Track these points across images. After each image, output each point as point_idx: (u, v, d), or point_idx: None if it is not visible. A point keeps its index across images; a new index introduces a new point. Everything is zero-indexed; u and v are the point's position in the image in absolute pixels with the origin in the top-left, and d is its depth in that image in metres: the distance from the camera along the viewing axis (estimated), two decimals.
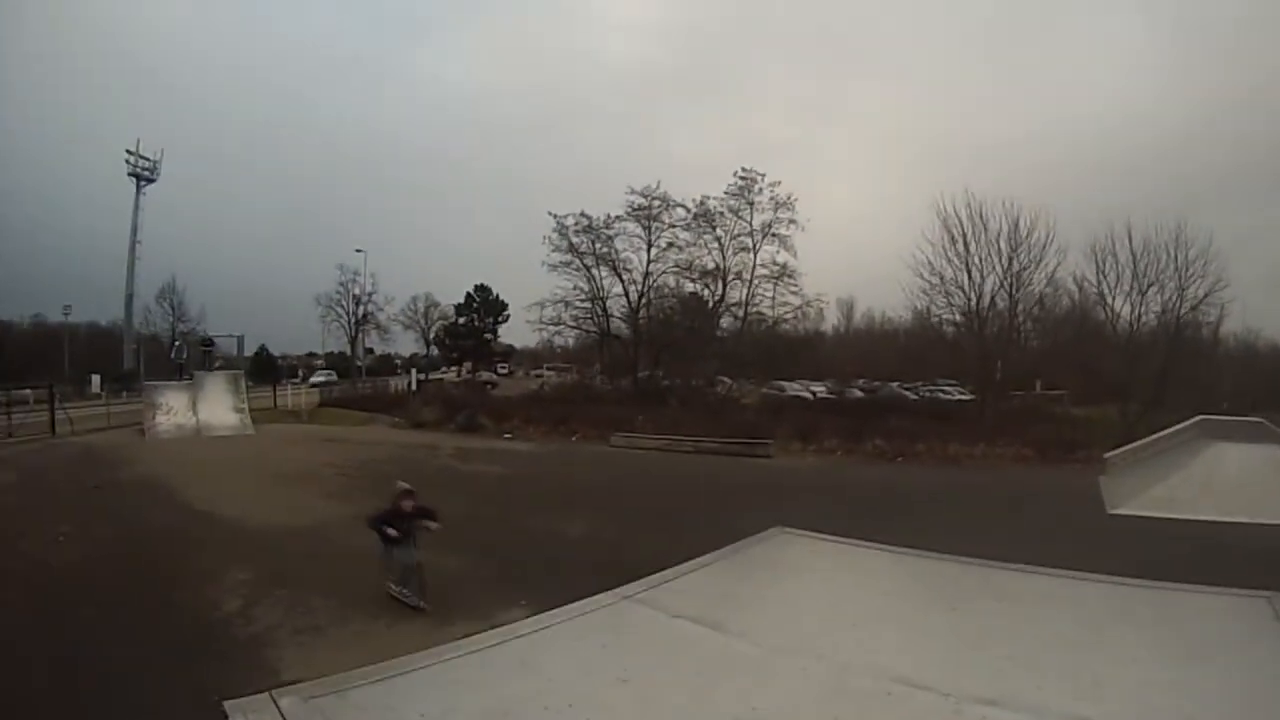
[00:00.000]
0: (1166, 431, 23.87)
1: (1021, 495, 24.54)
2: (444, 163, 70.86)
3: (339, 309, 58.75)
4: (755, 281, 50.81)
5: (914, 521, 16.43)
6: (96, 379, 51.62)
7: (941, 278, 47.12)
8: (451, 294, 62.11)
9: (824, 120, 73.09)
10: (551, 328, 52.05)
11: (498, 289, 61.38)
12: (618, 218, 50.41)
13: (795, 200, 49.31)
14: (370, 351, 61.53)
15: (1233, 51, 58.43)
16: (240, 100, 65.33)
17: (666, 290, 52.22)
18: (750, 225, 50.29)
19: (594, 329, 52.33)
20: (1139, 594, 5.99)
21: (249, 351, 55.00)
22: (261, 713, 3.75)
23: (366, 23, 75.55)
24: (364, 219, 71.83)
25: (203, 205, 62.09)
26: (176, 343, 50.41)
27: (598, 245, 50.96)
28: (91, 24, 61.23)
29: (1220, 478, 20.72)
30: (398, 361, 63.40)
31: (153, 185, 54.08)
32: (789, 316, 51.07)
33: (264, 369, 56.17)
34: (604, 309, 51.62)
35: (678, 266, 51.43)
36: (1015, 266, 46.37)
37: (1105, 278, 46.15)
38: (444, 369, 62.55)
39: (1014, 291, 46.75)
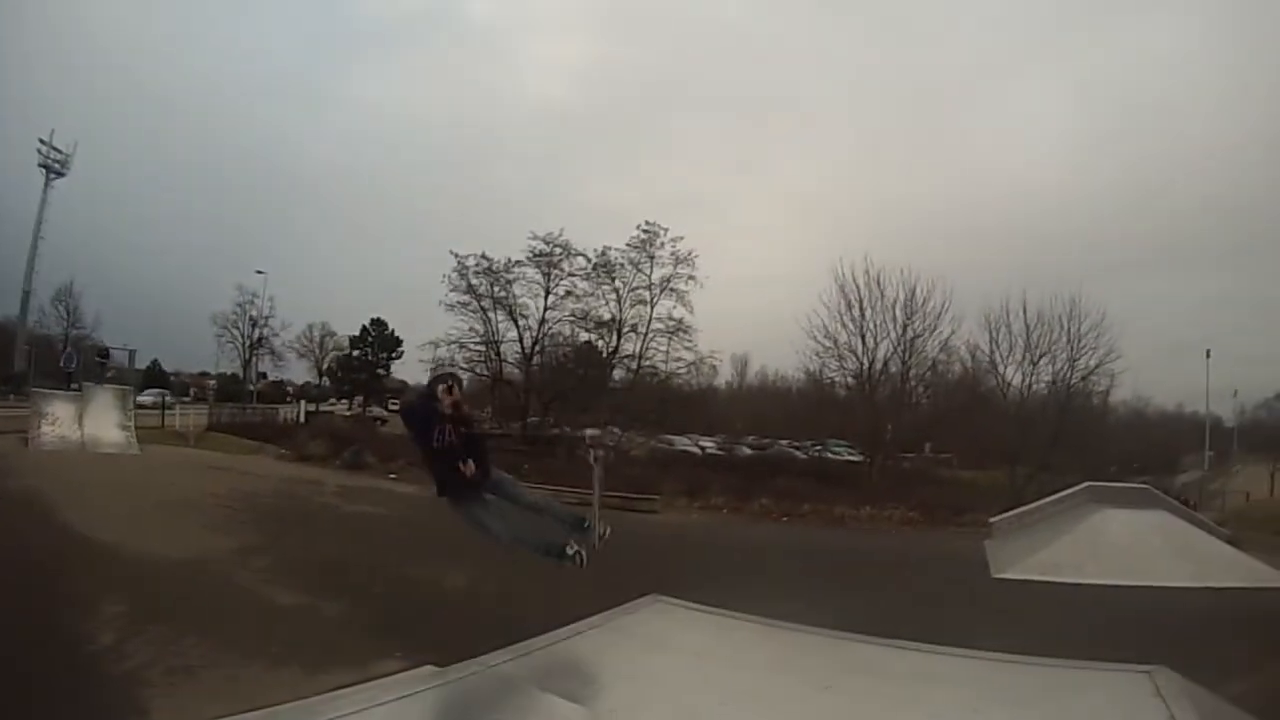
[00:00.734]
0: (1053, 497, 24.43)
1: (907, 559, 24.85)
2: (351, 188, 70.16)
3: (234, 330, 57.44)
4: (650, 335, 50.88)
5: (794, 586, 16.56)
6: None
7: (835, 341, 47.83)
8: (349, 325, 61.25)
9: (734, 178, 73.74)
10: (445, 369, 51.09)
11: (394, 324, 60.10)
12: (518, 262, 50.26)
13: (696, 257, 49.33)
14: (263, 377, 60.67)
15: (1140, 128, 60.02)
16: (157, 105, 63.98)
17: (561, 339, 52.12)
18: (649, 279, 50.37)
19: (486, 373, 52.13)
20: (1020, 671, 6.10)
21: (142, 365, 54.17)
22: None
23: (295, 39, 74.64)
24: (267, 238, 70.62)
25: (105, 207, 60.59)
26: (67, 350, 49.57)
27: (496, 288, 50.77)
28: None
29: (1107, 542, 21.27)
30: (289, 389, 62.54)
31: (63, 180, 52.28)
32: (682, 371, 51.19)
33: (156, 386, 55.09)
34: (498, 353, 51.49)
35: (574, 315, 51.35)
36: (909, 334, 47.32)
37: (998, 347, 47.37)
38: (334, 401, 61.89)
39: (907, 357, 47.73)
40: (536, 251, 49.84)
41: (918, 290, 46.80)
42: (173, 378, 58.99)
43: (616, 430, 48.14)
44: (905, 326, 47.20)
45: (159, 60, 66.69)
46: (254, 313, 56.67)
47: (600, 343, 51.96)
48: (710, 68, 74.54)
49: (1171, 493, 31.16)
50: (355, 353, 60.84)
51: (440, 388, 9.38)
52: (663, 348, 50.52)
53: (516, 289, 50.54)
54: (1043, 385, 47.46)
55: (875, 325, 47.36)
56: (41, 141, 51.11)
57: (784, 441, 49.81)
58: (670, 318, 50.36)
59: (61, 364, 46.41)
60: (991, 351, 47.60)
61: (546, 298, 50.72)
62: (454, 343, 50.33)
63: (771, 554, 24.63)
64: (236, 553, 17.33)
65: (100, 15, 61.83)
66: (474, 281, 50.21)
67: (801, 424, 49.86)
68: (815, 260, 64.79)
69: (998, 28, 67.30)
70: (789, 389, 54.32)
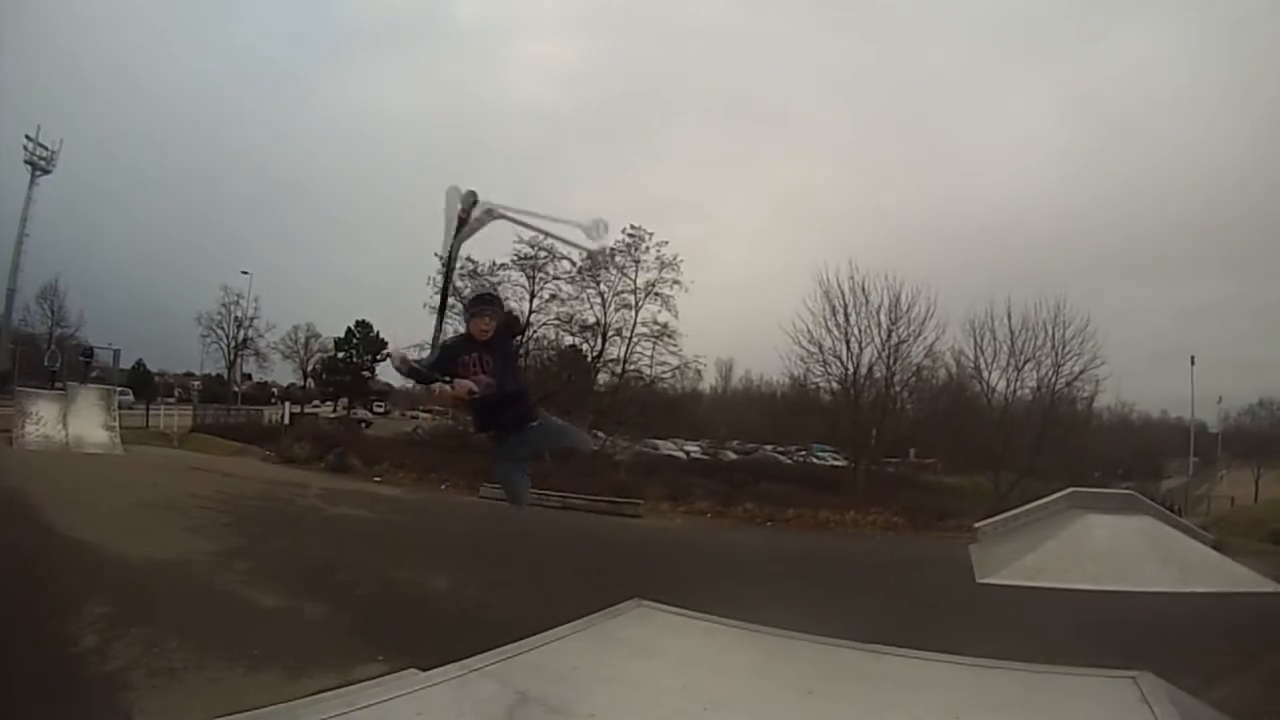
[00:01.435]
0: (1037, 502, 24.43)
1: (891, 564, 24.82)
2: (337, 189, 70.14)
3: (219, 331, 57.11)
4: (635, 339, 50.62)
5: (778, 591, 16.55)
6: None
7: (820, 347, 47.82)
8: (334, 326, 60.99)
9: (722, 182, 73.97)
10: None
11: (379, 326, 59.96)
12: (502, 265, 49.75)
13: (681, 261, 49.19)
14: (248, 378, 60.45)
15: (1126, 140, 60.34)
16: (145, 103, 63.90)
17: (546, 342, 51.79)
18: (634, 283, 50.22)
19: None
20: (1003, 677, 6.09)
21: (126, 365, 53.89)
22: None
23: (284, 40, 74.62)
24: (253, 239, 70.47)
25: (93, 205, 60.43)
26: (51, 348, 49.32)
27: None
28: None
29: (1091, 548, 21.29)
30: (274, 391, 62.29)
31: (48, 177, 52.03)
32: (666, 376, 51.13)
33: (140, 386, 54.85)
34: None
35: (559, 319, 51.02)
36: (894, 339, 47.28)
37: (983, 353, 47.57)
38: (318, 403, 61.63)
39: (891, 363, 47.66)
40: (521, 255, 49.63)
41: (902, 296, 46.88)
42: (157, 378, 58.75)
43: (600, 434, 48.07)
44: (890, 332, 47.20)
45: (148, 59, 66.96)
46: (239, 313, 56.52)
47: (585, 346, 51.84)
48: (699, 72, 74.88)
49: (1156, 498, 31.24)
50: (340, 354, 60.58)
51: (471, 315, 8.13)
52: (647, 352, 50.42)
53: (502, 292, 49.97)
54: (1027, 391, 47.61)
55: (860, 330, 47.44)
56: (28, 138, 50.89)
57: (769, 446, 49.86)
58: (655, 322, 50.27)
59: (46, 363, 46.15)
60: (976, 357, 47.84)
61: (531, 301, 50.46)
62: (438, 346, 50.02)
63: (755, 559, 24.57)
64: (219, 555, 17.29)
65: (90, 14, 61.86)
66: (459, 284, 49.83)
67: (786, 429, 50.06)
68: (800, 265, 65.21)
69: (987, 38, 67.77)
70: (773, 394, 54.35)
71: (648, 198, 79.38)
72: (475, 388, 7.65)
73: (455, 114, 74.46)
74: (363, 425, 54.82)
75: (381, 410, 62.74)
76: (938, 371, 49.36)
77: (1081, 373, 46.35)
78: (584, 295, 50.41)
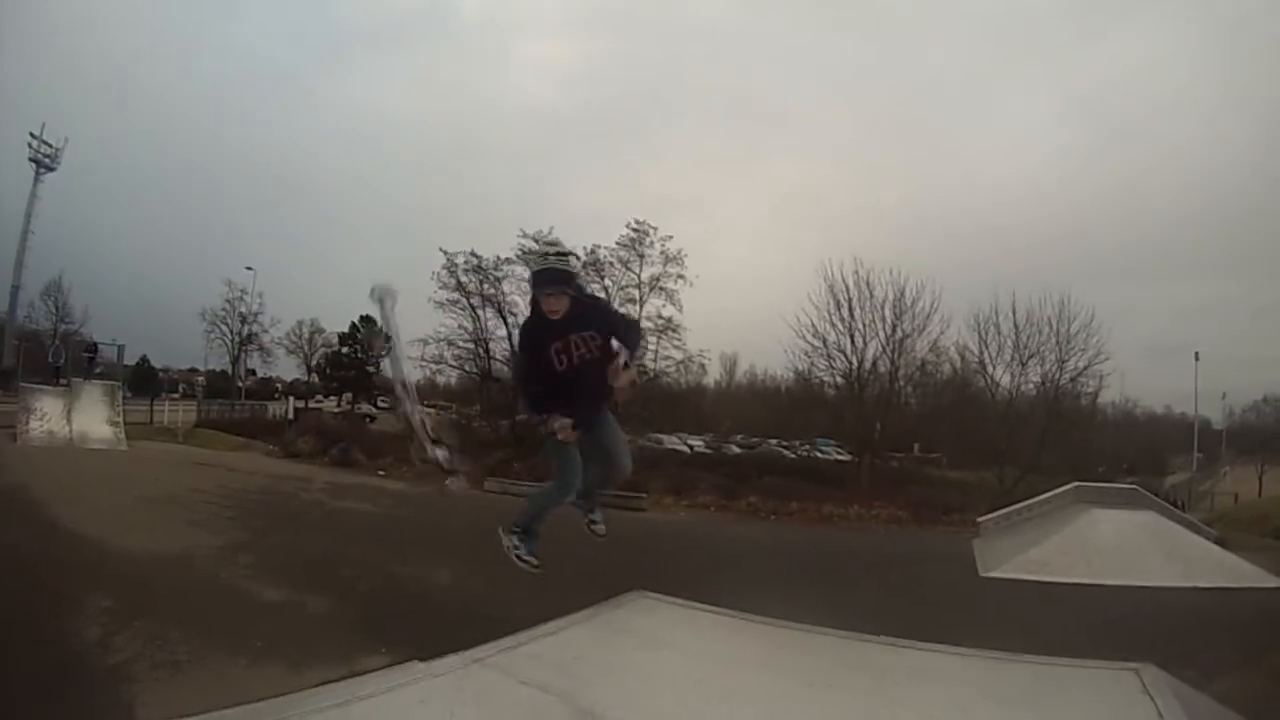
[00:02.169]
0: (1041, 497, 24.49)
1: (895, 557, 24.76)
2: (342, 185, 69.97)
3: (223, 326, 57.00)
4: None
5: (781, 584, 16.53)
6: None
7: (824, 341, 47.55)
8: (338, 322, 60.81)
9: (725, 178, 73.76)
10: (433, 366, 51.05)
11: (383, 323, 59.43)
12: (507, 260, 49.24)
13: (685, 256, 49.14)
14: (252, 373, 60.37)
15: (1130, 137, 60.32)
16: (148, 101, 63.79)
17: None
18: (639, 278, 50.11)
19: (475, 370, 51.41)
20: (1007, 668, 6.09)
21: (130, 361, 53.77)
22: None
23: (287, 38, 74.44)
24: (257, 235, 70.37)
25: (95, 202, 60.25)
26: (55, 344, 49.28)
27: (485, 286, 50.01)
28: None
29: (1095, 542, 21.30)
30: (278, 386, 62.20)
31: (53, 174, 52.04)
32: (670, 370, 51.03)
33: (144, 381, 54.82)
34: (487, 350, 50.56)
35: None
36: (898, 334, 47.10)
37: (987, 348, 47.31)
38: (322, 398, 61.56)
39: (895, 357, 47.53)
40: (525, 250, 49.29)
41: (907, 291, 46.58)
42: (161, 374, 58.66)
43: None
44: (894, 326, 46.96)
45: (151, 57, 66.71)
46: (243, 309, 56.45)
47: None
48: (699, 72, 74.59)
49: (1160, 494, 31.21)
50: (344, 350, 60.43)
51: (544, 294, 7.45)
52: (651, 346, 50.23)
53: (506, 286, 49.61)
54: (1031, 386, 47.50)
55: (864, 325, 47.19)
56: (33, 135, 50.83)
57: (773, 441, 49.73)
58: (659, 316, 50.07)
59: (50, 359, 46.08)
60: (980, 352, 47.56)
61: None
62: (443, 340, 49.85)
63: (759, 552, 24.56)
64: (223, 549, 17.31)
65: (93, 12, 61.85)
66: (463, 279, 49.63)
67: (790, 423, 49.88)
68: (804, 261, 64.79)
69: (990, 34, 67.54)
70: (778, 388, 54.12)
71: (648, 196, 79.49)
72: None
73: (455, 113, 74.30)
74: (367, 420, 54.63)
75: (386, 405, 62.55)
76: (942, 366, 49.24)
77: (1086, 368, 46.24)
78: (589, 289, 50.23)
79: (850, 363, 47.19)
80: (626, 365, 7.82)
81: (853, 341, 47.02)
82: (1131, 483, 30.15)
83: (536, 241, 48.48)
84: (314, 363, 60.93)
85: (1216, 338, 56.20)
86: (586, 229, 64.07)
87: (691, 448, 50.45)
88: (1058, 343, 46.25)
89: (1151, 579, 18.63)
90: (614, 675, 5.90)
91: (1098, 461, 43.48)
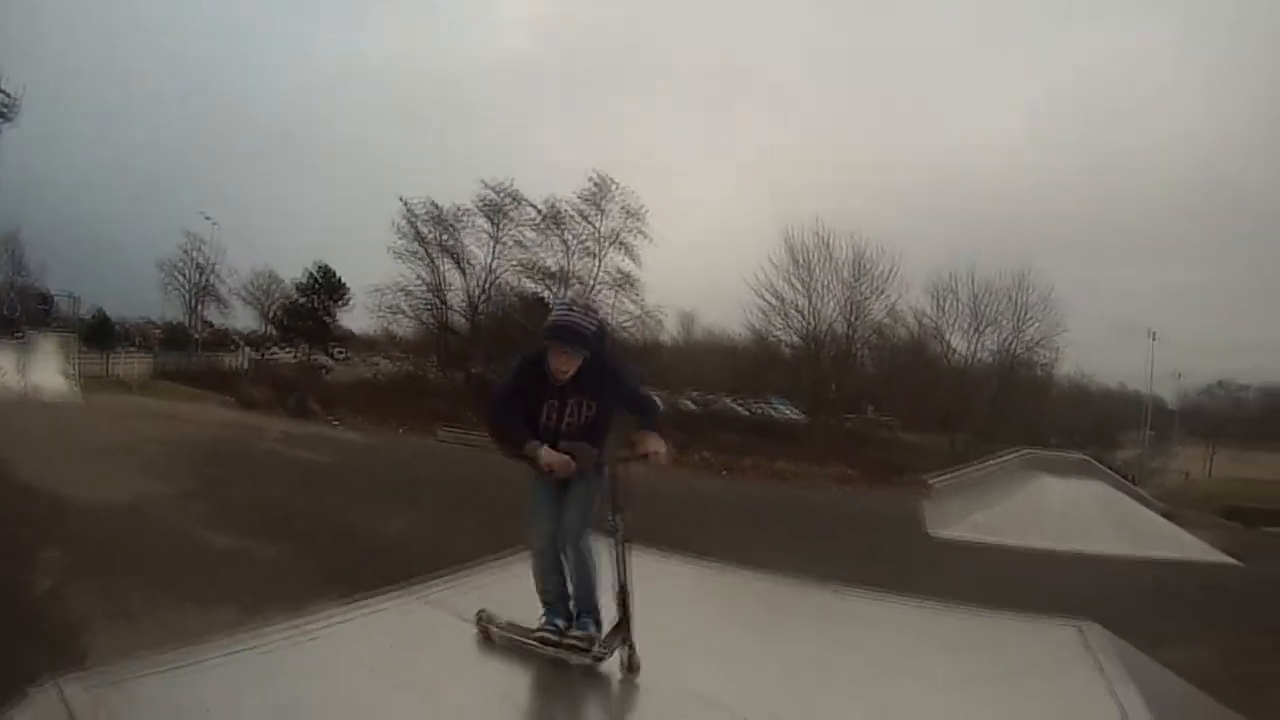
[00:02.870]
0: (992, 461, 24.80)
1: (845, 514, 25.04)
2: (303, 133, 68.92)
3: (180, 277, 55.89)
4: (597, 288, 49.86)
5: (733, 536, 16.70)
6: None
7: (781, 300, 48.17)
8: (296, 271, 60.10)
9: (691, 136, 73.34)
10: (390, 315, 50.91)
11: (341, 271, 58.39)
12: (466, 210, 49.45)
13: (646, 211, 49.02)
14: (209, 325, 59.78)
15: (1102, 120, 60.74)
16: (104, 48, 62.58)
17: (507, 288, 51.13)
18: (598, 231, 49.72)
19: (432, 320, 51.22)
20: (952, 618, 6.22)
21: (86, 313, 53.30)
22: (45, 701, 3.81)
23: None
24: (216, 184, 69.40)
25: (52, 152, 59.27)
26: (11, 296, 48.86)
27: (444, 236, 50.16)
28: None
29: (1044, 508, 21.63)
30: (235, 338, 61.60)
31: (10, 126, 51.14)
32: (627, 325, 50.97)
33: (100, 334, 54.30)
34: (443, 301, 50.52)
35: (521, 266, 50.55)
36: (856, 296, 47.55)
37: (944, 314, 47.82)
38: (278, 349, 61.05)
39: (853, 319, 47.97)
40: (486, 200, 49.24)
41: (867, 254, 46.96)
42: (117, 325, 58.08)
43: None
44: (853, 288, 47.41)
45: (106, 3, 65.71)
46: (200, 259, 55.71)
47: (546, 294, 51.22)
48: (674, 27, 73.95)
49: (1112, 468, 31.68)
50: (301, 300, 59.90)
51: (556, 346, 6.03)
52: (609, 301, 50.23)
53: (465, 237, 49.59)
54: (987, 354, 48.34)
55: (822, 286, 47.70)
56: None
57: (728, 398, 49.85)
58: (618, 271, 50.01)
59: (4, 312, 45.65)
60: (937, 318, 48.03)
61: (494, 247, 50.12)
62: (400, 289, 49.47)
63: (710, 504, 24.66)
64: (176, 498, 17.33)
65: None
66: (422, 229, 49.38)
67: (746, 381, 49.55)
68: (767, 223, 64.55)
69: (974, 10, 67.47)
70: (734, 346, 54.04)
71: (613, 151, 78.05)
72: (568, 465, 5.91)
73: (418, 61, 73.31)
74: (323, 371, 54.42)
75: (342, 356, 61.89)
76: (898, 330, 49.37)
77: (1042, 339, 47.47)
78: (547, 242, 50.12)
79: (807, 322, 47.64)
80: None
81: (810, 301, 47.44)
82: (1083, 455, 30.56)
83: (496, 191, 48.87)
84: (271, 313, 60.34)
85: (1175, 321, 56.82)
86: (548, 181, 63.56)
87: None
88: (1015, 313, 47.24)
89: (1100, 547, 18.96)
90: None
91: (1050, 432, 43.99)
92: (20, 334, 39.57)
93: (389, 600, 5.61)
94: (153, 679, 4.19)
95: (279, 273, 58.17)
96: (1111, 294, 59.42)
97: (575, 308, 6.23)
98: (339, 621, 5.11)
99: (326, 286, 58.26)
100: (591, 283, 49.42)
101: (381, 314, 50.42)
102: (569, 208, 49.13)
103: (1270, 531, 29.67)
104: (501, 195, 48.87)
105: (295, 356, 58.15)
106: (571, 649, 5.29)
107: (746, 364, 50.00)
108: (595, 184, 48.69)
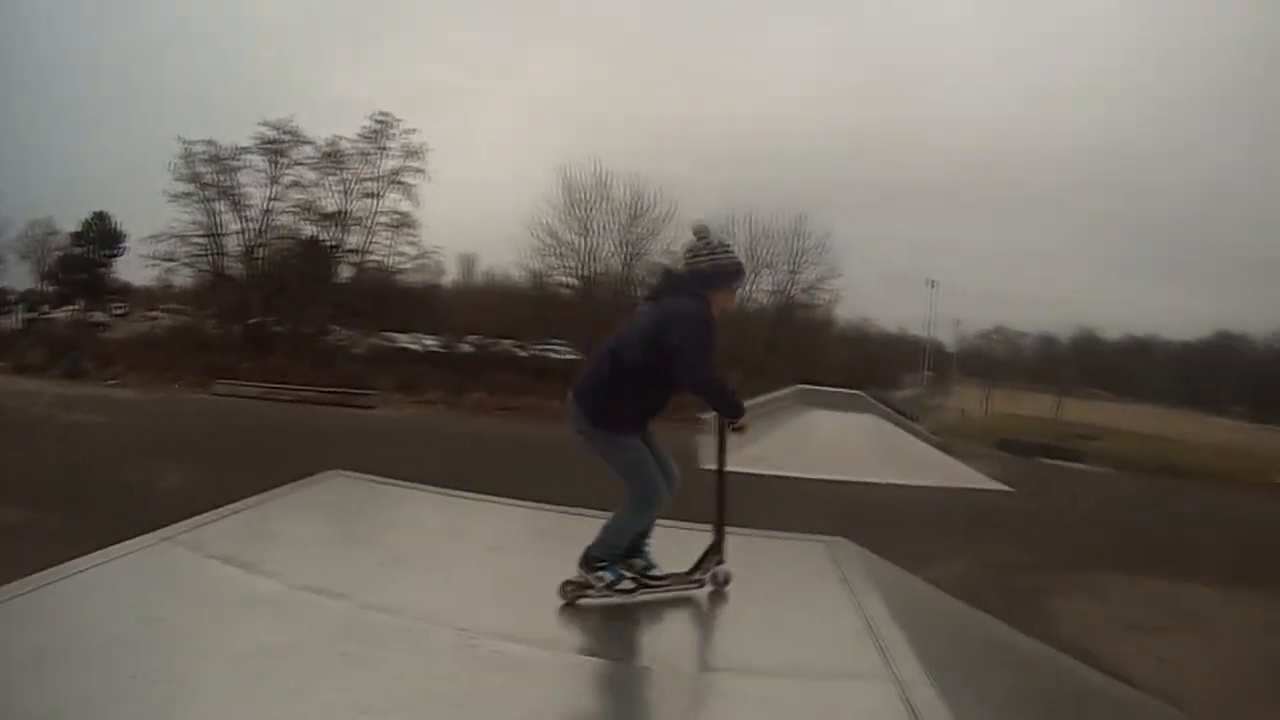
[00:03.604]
0: (766, 396, 25.57)
1: None
2: (76, 71, 65.78)
3: None
4: (375, 229, 50.39)
5: (501, 473, 16.95)
6: None
7: (557, 238, 49.20)
8: (71, 220, 56.67)
9: (483, 74, 73.11)
10: (167, 264, 49.47)
11: (119, 218, 55.26)
12: (245, 149, 48.17)
13: (426, 149, 49.20)
14: None
15: (888, 82, 62.97)
16: None
17: (285, 231, 50.63)
18: (378, 170, 49.73)
19: (209, 269, 49.88)
20: (693, 536, 6.61)
21: None
22: None
23: None
24: None
25: None
26: None
27: (221, 177, 48.54)
28: None
29: (816, 440, 22.42)
30: (11, 296, 58.47)
31: None
32: (405, 266, 51.06)
33: None
34: (219, 247, 49.41)
35: (298, 207, 50.01)
36: (633, 235, 49.16)
37: None
38: (49, 307, 58.25)
39: (629, 259, 49.49)
40: (265, 139, 48.09)
41: (645, 196, 48.41)
42: None
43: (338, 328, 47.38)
44: (629, 228, 48.86)
45: None
46: None
47: (325, 236, 51.06)
48: None
49: (891, 405, 33.00)
50: (78, 250, 56.90)
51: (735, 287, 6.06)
52: (387, 242, 50.42)
53: (242, 178, 48.82)
54: (763, 294, 50.51)
55: (600, 227, 49.01)
56: None
57: (508, 340, 49.79)
58: (396, 211, 50.22)
59: None
60: None
61: (271, 188, 49.28)
62: (176, 236, 48.26)
63: (482, 444, 24.99)
64: None
65: None
66: (200, 170, 48.15)
67: (525, 324, 49.54)
68: (553, 163, 64.97)
69: None
70: (515, 289, 53.97)
71: (400, 87, 77.38)
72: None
73: None
74: (99, 328, 52.41)
75: (120, 311, 59.65)
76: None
77: (818, 281, 50.00)
78: (326, 183, 49.19)
79: (582, 261, 49.09)
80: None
81: (586, 242, 48.86)
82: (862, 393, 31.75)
83: (276, 129, 47.66)
84: (47, 268, 57.37)
85: (954, 270, 59.75)
86: (332, 118, 62.37)
87: (424, 346, 50.17)
88: (791, 256, 49.43)
89: (873, 476, 19.77)
90: (296, 546, 6.11)
91: (830, 371, 45.45)
92: None
93: (135, 543, 5.68)
94: None
95: (56, 222, 55.43)
96: (890, 244, 62.19)
97: (731, 251, 5.90)
98: (85, 569, 5.10)
99: (101, 235, 55.58)
100: (370, 224, 49.28)
101: (157, 263, 49.09)
102: (351, 146, 48.45)
103: (1041, 461, 31.37)
104: (281, 133, 48.01)
105: (72, 313, 55.86)
106: (685, 582, 5.59)
107: (525, 307, 50.09)
108: (378, 121, 48.11)
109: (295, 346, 46.03)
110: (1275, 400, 53.93)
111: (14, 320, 52.18)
